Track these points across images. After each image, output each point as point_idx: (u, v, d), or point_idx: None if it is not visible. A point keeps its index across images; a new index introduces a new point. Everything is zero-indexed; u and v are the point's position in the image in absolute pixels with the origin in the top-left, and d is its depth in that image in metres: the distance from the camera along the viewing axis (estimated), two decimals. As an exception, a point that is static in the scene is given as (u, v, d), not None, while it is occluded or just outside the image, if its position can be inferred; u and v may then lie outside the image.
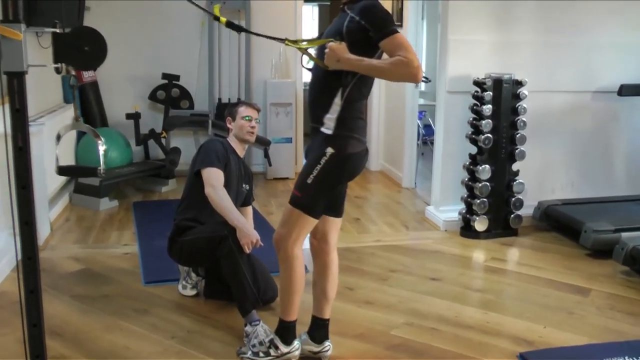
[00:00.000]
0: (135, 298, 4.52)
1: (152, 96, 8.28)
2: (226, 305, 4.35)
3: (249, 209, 4.68)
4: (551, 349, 3.86)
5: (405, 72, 3.05)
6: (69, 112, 7.10)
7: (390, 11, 8.37)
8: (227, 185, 4.19)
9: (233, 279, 3.92)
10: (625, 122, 6.66)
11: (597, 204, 6.33)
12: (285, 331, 3.60)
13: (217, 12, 3.36)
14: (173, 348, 3.79)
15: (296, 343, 3.64)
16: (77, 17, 6.88)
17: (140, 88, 8.39)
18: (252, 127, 4.41)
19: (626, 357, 3.69)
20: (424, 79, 8.79)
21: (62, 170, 3.34)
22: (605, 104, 6.54)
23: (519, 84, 5.99)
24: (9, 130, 2.24)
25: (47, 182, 5.84)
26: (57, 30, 2.35)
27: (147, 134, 7.86)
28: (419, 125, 8.59)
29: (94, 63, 2.39)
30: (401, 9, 8.18)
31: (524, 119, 5.99)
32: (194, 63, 8.55)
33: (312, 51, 3.40)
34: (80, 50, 2.32)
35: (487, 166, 5.92)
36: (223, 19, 3.37)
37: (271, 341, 3.61)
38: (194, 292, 4.57)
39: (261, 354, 3.60)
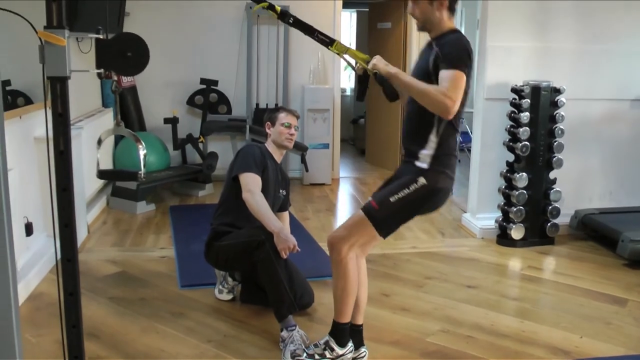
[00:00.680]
0: (172, 301, 4.55)
1: (190, 101, 8.34)
2: (262, 311, 4.36)
3: (286, 215, 4.70)
4: (588, 360, 3.83)
5: (440, 102, 3.11)
6: (107, 116, 7.18)
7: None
8: (265, 190, 4.20)
9: (270, 284, 3.94)
10: (664, 131, 6.59)
11: (634, 213, 6.27)
12: (340, 333, 3.59)
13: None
14: (209, 352, 3.81)
15: (350, 345, 3.64)
16: (117, 22, 6.95)
17: (178, 93, 8.47)
18: (291, 135, 4.42)
19: (664, 369, 3.66)
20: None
21: (102, 174, 3.39)
22: (644, 112, 6.49)
23: (557, 91, 5.95)
24: (50, 134, 2.26)
25: (85, 185, 5.90)
26: (100, 36, 2.37)
27: (184, 139, 7.91)
28: (456, 132, 8.55)
29: (136, 69, 2.41)
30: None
31: (561, 126, 5.95)
32: (233, 68, 8.60)
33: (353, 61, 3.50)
34: (123, 56, 2.35)
35: (524, 174, 5.89)
36: (277, 8, 3.46)
37: (326, 343, 3.61)
38: (230, 296, 4.59)
39: (317, 356, 3.61)
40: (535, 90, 5.89)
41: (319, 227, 6.51)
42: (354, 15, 13.18)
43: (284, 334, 3.81)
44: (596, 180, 6.55)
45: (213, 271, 4.62)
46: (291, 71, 8.74)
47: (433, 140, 3.34)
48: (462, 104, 3.29)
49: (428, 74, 3.26)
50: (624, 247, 5.44)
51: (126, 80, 7.95)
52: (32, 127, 5.09)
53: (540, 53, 6.16)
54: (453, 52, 3.20)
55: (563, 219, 6.15)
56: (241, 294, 4.57)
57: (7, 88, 5.06)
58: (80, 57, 5.73)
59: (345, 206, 7.82)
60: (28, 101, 5.26)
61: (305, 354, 3.63)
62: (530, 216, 5.98)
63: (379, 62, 3.33)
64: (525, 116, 5.84)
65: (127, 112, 8.00)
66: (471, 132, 7.09)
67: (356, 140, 12.38)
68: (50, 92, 2.24)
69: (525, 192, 5.90)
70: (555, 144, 5.95)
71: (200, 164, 7.86)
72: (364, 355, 3.69)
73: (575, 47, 6.22)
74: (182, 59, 8.48)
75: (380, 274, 5.15)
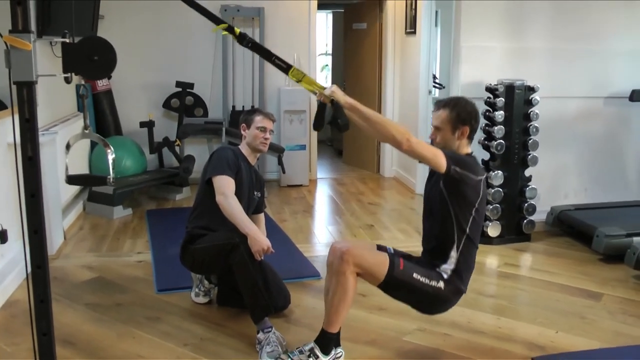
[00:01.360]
0: (148, 306, 4.53)
1: (166, 104, 8.32)
2: (239, 313, 4.35)
3: (261, 217, 4.69)
4: (563, 354, 3.85)
5: (396, 134, 3.26)
6: (82, 121, 7.13)
7: (404, 18, 8.41)
8: (239, 192, 4.19)
9: (245, 287, 3.93)
10: (637, 127, 6.67)
11: (609, 209, 6.34)
12: (327, 341, 3.61)
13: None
14: (186, 356, 3.79)
15: (333, 352, 3.65)
16: (90, 26, 6.92)
17: (154, 96, 8.44)
18: (266, 139, 4.40)
19: (639, 363, 3.69)
20: (437, 86, 8.79)
21: (71, 180, 3.34)
22: (617, 109, 6.54)
23: (531, 90, 5.98)
24: (18, 140, 2.25)
25: (60, 190, 5.87)
26: (67, 40, 2.36)
27: (161, 142, 7.88)
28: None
29: (104, 73, 2.40)
30: (414, 16, 8.18)
31: (536, 124, 5.98)
32: (208, 71, 8.58)
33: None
34: (90, 60, 2.34)
35: (500, 172, 5.91)
36: (237, 30, 3.46)
37: (311, 350, 3.60)
38: (206, 299, 4.58)
39: None
40: (510, 89, 5.93)
41: (296, 228, 6.51)
42: (330, 16, 13.19)
43: (260, 336, 3.81)
44: (571, 177, 6.60)
45: (189, 275, 4.61)
46: (267, 73, 8.72)
47: (454, 256, 3.52)
48: (477, 220, 3.54)
49: (443, 196, 3.46)
50: (599, 242, 5.49)
51: (101, 84, 7.91)
52: (4, 133, 5.05)
53: (514, 52, 6.21)
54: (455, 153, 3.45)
55: (539, 216, 6.20)
56: (217, 297, 4.56)
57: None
58: (54, 61, 5.69)
59: (322, 207, 7.81)
60: (2, 106, 5.23)
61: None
62: (507, 214, 6.01)
63: (337, 91, 3.41)
64: (499, 115, 5.87)
65: (103, 116, 7.96)
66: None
67: (334, 141, 12.40)
68: (17, 97, 2.23)
69: (501, 189, 5.93)
70: (530, 141, 5.98)
71: (177, 168, 7.84)
72: (341, 356, 3.69)
73: (549, 46, 6.28)
74: (157, 62, 8.45)
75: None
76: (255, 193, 4.53)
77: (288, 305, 4.39)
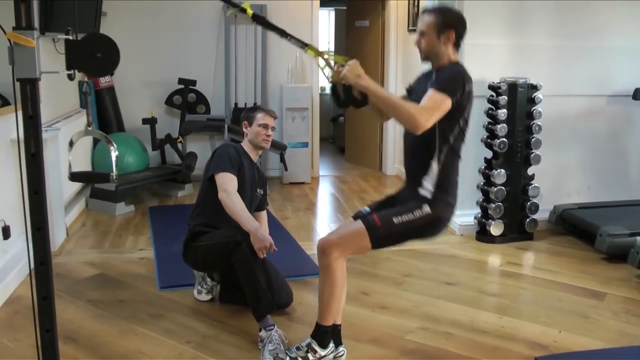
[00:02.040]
0: (151, 303, 4.53)
1: (169, 101, 8.33)
2: (241, 310, 4.34)
3: (264, 214, 4.69)
4: (566, 354, 3.84)
5: (411, 119, 3.13)
6: (85, 117, 7.12)
7: (407, 16, 8.39)
8: (241, 190, 4.19)
9: (247, 284, 3.93)
10: (640, 126, 6.64)
11: (612, 207, 6.30)
12: (322, 335, 3.59)
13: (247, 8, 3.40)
14: (188, 353, 3.79)
15: (332, 346, 3.64)
16: (93, 22, 6.92)
17: (156, 93, 8.44)
18: (268, 135, 4.40)
19: (642, 362, 3.68)
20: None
21: (74, 177, 3.35)
22: (621, 107, 6.52)
23: (534, 88, 5.97)
24: (22, 137, 2.24)
25: (63, 187, 5.87)
26: (70, 37, 2.36)
27: (163, 139, 7.89)
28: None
29: (106, 69, 2.39)
30: (417, 14, 8.17)
31: (539, 123, 5.97)
32: (211, 68, 8.59)
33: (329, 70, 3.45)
34: (93, 56, 2.33)
35: (503, 170, 5.90)
36: (250, 11, 3.40)
37: (308, 345, 3.60)
38: (209, 297, 4.57)
39: (299, 359, 3.60)
40: (512, 87, 5.91)
41: (299, 226, 6.51)
42: (332, 13, 13.18)
43: (263, 333, 3.80)
44: (574, 176, 6.58)
45: (192, 272, 4.61)
46: (269, 70, 8.73)
47: (435, 167, 3.39)
48: (463, 131, 3.41)
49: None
50: (602, 241, 5.47)
51: (104, 81, 7.92)
52: (8, 129, 5.05)
53: (517, 50, 6.19)
54: (446, 78, 3.27)
55: (542, 215, 6.18)
56: (220, 294, 4.56)
57: (-18, 90, 5.03)
58: (56, 58, 5.69)
59: (325, 205, 7.82)
60: (5, 102, 5.22)
61: (288, 358, 3.62)
62: (509, 212, 6.00)
63: (350, 73, 3.25)
64: (502, 113, 5.86)
65: (105, 112, 7.97)
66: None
67: (336, 138, 12.40)
68: (20, 94, 2.23)
69: (503, 188, 5.92)
70: (532, 140, 5.97)
71: (179, 164, 7.85)
72: (343, 354, 3.69)
73: (552, 43, 6.25)
74: (160, 58, 8.46)
75: (359, 272, 5.15)
76: (258, 190, 4.53)
77: (290, 303, 4.39)
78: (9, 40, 2.17)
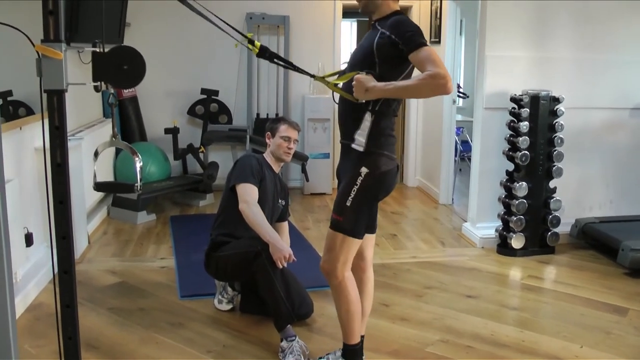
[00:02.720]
0: (171, 312, 4.55)
1: (191, 111, 8.36)
2: (262, 320, 4.36)
3: (285, 225, 4.70)
4: (587, 369, 3.82)
5: (434, 85, 3.00)
6: (108, 127, 7.19)
7: (429, 27, 8.39)
8: (263, 200, 4.22)
9: (267, 295, 3.95)
10: (664, 139, 6.60)
11: (635, 222, 6.26)
12: (352, 354, 3.57)
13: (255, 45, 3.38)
14: (208, 362, 3.81)
15: None
16: (117, 34, 6.97)
17: (179, 103, 8.49)
18: (289, 149, 4.43)
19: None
20: (461, 95, 8.77)
21: (99, 187, 3.39)
22: (644, 121, 6.49)
23: (556, 100, 5.96)
24: (48, 146, 2.27)
25: (85, 195, 5.91)
26: (97, 49, 2.38)
27: (185, 149, 7.93)
28: (456, 141, 8.56)
29: (133, 82, 2.41)
30: (439, 26, 8.17)
31: (561, 135, 5.96)
32: (233, 78, 8.62)
33: (340, 84, 3.41)
34: (119, 69, 2.35)
35: (524, 183, 5.89)
36: (257, 43, 3.39)
37: None
38: (229, 306, 4.59)
39: None
40: (535, 99, 5.90)
41: (319, 237, 6.51)
42: (354, 24, 13.19)
43: (284, 344, 3.82)
44: (596, 189, 6.55)
45: (213, 281, 4.63)
46: (291, 81, 8.75)
47: (367, 119, 3.26)
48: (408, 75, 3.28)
49: (371, 54, 3.21)
50: (624, 256, 5.44)
51: (127, 91, 7.97)
52: (32, 137, 5.11)
53: (539, 62, 6.17)
54: (411, 33, 3.11)
55: (563, 228, 6.15)
56: (241, 304, 4.57)
57: (9, 98, 5.07)
58: (81, 68, 5.74)
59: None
60: (29, 112, 5.27)
61: None
62: (531, 225, 5.98)
63: (358, 91, 3.17)
64: (524, 125, 5.85)
65: (128, 122, 8.01)
66: (471, 141, 7.10)
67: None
68: (47, 105, 2.25)
69: (525, 201, 5.90)
70: (554, 152, 5.95)
71: (200, 174, 7.88)
72: (363, 366, 3.69)
73: (574, 56, 6.23)
74: (183, 69, 8.50)
75: (380, 284, 5.14)
76: (280, 201, 4.55)
77: (311, 313, 4.40)
78: (37, 52, 2.20)
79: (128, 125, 8.02)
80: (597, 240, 6.12)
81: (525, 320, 4.58)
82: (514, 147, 5.95)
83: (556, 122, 5.95)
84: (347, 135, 3.37)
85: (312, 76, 3.40)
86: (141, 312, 4.54)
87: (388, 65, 3.18)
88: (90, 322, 4.29)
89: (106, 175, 7.15)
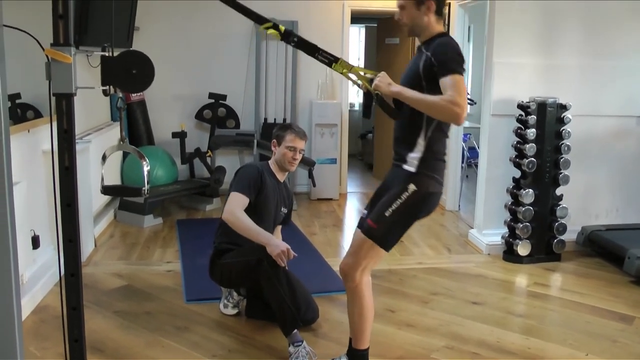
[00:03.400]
0: (177, 315, 4.56)
1: (199, 115, 8.38)
2: (267, 325, 4.36)
3: (278, 227, 4.68)
4: (593, 377, 3.82)
5: (449, 109, 3.06)
6: (116, 130, 7.20)
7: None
8: (263, 209, 4.24)
9: (272, 300, 3.95)
10: (671, 148, 6.59)
11: (641, 230, 6.25)
12: (360, 359, 3.60)
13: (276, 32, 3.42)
14: (213, 366, 3.81)
15: None
16: (126, 37, 6.98)
17: (187, 107, 8.51)
18: (294, 159, 4.40)
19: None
20: (469, 102, 8.76)
21: (107, 190, 3.40)
22: (651, 129, 6.49)
23: (563, 107, 5.96)
24: (56, 149, 2.28)
25: (92, 198, 5.93)
26: (105, 53, 2.40)
27: (192, 153, 7.95)
28: (463, 148, 8.55)
29: (142, 86, 2.42)
30: (447, 32, 8.15)
31: (568, 143, 5.95)
32: (241, 83, 8.63)
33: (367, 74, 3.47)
34: (128, 73, 2.36)
35: (531, 190, 5.89)
36: (282, 27, 3.40)
37: None
38: (235, 311, 4.59)
39: None
40: (542, 106, 5.90)
41: (326, 242, 6.51)
42: (363, 30, 13.21)
43: (291, 349, 3.82)
44: (603, 197, 6.54)
45: (218, 285, 4.63)
46: (299, 86, 8.77)
47: (421, 143, 3.33)
48: None
49: (418, 77, 3.26)
50: (630, 264, 5.43)
51: (135, 95, 7.99)
52: (40, 140, 5.12)
53: (546, 69, 6.17)
54: (447, 58, 3.17)
55: (569, 236, 6.14)
56: (246, 309, 4.57)
57: (17, 101, 5.10)
58: (89, 72, 5.75)
59: (352, 222, 7.81)
60: (37, 114, 5.29)
61: None
62: (537, 232, 5.98)
63: (381, 83, 3.29)
64: (531, 132, 5.85)
65: (136, 125, 8.04)
66: (478, 148, 7.10)
67: (364, 155, 12.39)
68: (56, 109, 2.27)
69: (531, 208, 5.90)
70: (561, 160, 5.95)
71: (208, 178, 7.89)
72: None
73: (581, 63, 6.23)
74: (191, 73, 8.52)
75: (386, 289, 5.15)
76: (283, 209, 4.54)
77: (317, 318, 4.40)
78: (47, 56, 2.21)
79: (136, 129, 8.04)
80: (603, 248, 6.10)
81: (531, 327, 4.57)
82: (520, 154, 5.95)
83: (563, 130, 5.95)
84: (400, 156, 3.43)
85: (337, 59, 3.51)
86: (147, 315, 4.55)
87: (433, 90, 3.19)
88: (96, 325, 4.30)
89: (114, 178, 7.17)
